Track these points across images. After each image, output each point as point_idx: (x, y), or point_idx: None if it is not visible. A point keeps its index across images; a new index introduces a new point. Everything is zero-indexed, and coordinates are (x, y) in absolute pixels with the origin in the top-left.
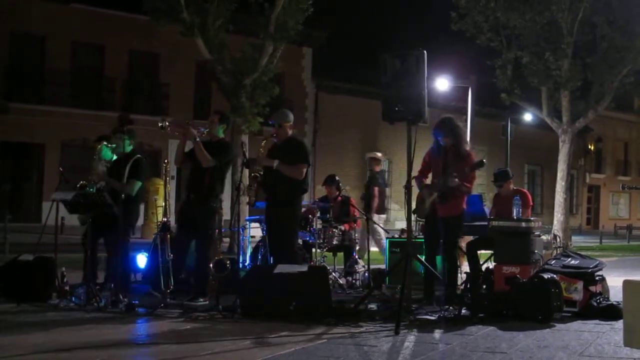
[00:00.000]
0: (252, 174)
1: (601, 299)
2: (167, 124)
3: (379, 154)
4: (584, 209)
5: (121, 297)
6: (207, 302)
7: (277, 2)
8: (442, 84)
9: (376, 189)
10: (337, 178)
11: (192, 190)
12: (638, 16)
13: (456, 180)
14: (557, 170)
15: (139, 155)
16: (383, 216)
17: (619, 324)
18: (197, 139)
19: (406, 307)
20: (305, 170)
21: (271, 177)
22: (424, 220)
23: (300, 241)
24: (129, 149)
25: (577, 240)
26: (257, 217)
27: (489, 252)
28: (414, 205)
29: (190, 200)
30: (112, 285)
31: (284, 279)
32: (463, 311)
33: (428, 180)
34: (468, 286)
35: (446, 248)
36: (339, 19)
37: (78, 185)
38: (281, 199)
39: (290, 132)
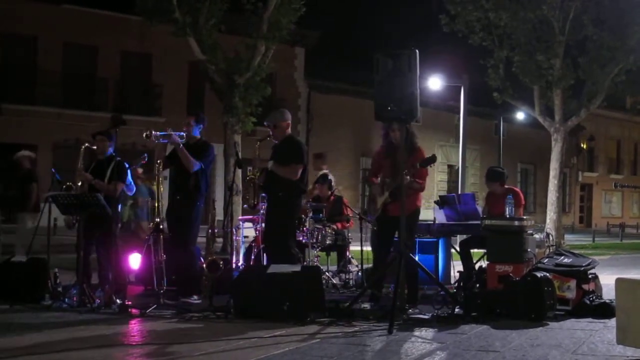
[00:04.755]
0: (248, 177)
1: (594, 297)
2: (151, 132)
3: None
4: (577, 207)
5: (114, 297)
6: (201, 300)
7: (270, 1)
8: (435, 83)
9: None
10: (329, 177)
11: (178, 192)
12: (629, 15)
13: (407, 177)
14: (550, 168)
15: (119, 159)
16: None
17: (612, 322)
18: (181, 146)
19: (399, 306)
20: (300, 170)
21: (268, 178)
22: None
23: None
24: (110, 152)
25: (570, 239)
26: (251, 217)
27: (482, 250)
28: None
29: (176, 201)
30: (106, 286)
31: (277, 279)
32: (456, 310)
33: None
34: (461, 285)
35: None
36: (331, 19)
37: (64, 187)
38: (278, 199)
39: (288, 131)
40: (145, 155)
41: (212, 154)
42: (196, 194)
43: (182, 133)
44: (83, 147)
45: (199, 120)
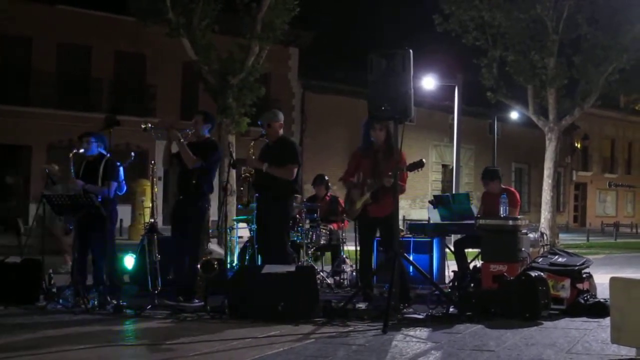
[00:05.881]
0: (243, 175)
1: (588, 297)
2: (150, 125)
3: None
4: (571, 206)
5: (109, 298)
6: (203, 303)
7: (264, 2)
8: (429, 82)
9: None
10: (325, 178)
11: (181, 191)
12: (622, 14)
13: (392, 180)
14: (544, 168)
15: (108, 156)
16: None
17: (606, 321)
18: (181, 140)
19: (394, 306)
20: (296, 170)
21: (262, 178)
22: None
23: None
24: (97, 151)
25: (564, 238)
26: (245, 217)
27: (477, 250)
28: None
29: (180, 201)
30: (101, 287)
31: (271, 279)
32: (451, 310)
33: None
34: (456, 284)
35: (391, 248)
36: (325, 19)
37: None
38: (271, 199)
39: (280, 131)
40: (132, 153)
41: (218, 154)
42: (197, 194)
43: (187, 130)
44: (71, 154)
45: (207, 119)
